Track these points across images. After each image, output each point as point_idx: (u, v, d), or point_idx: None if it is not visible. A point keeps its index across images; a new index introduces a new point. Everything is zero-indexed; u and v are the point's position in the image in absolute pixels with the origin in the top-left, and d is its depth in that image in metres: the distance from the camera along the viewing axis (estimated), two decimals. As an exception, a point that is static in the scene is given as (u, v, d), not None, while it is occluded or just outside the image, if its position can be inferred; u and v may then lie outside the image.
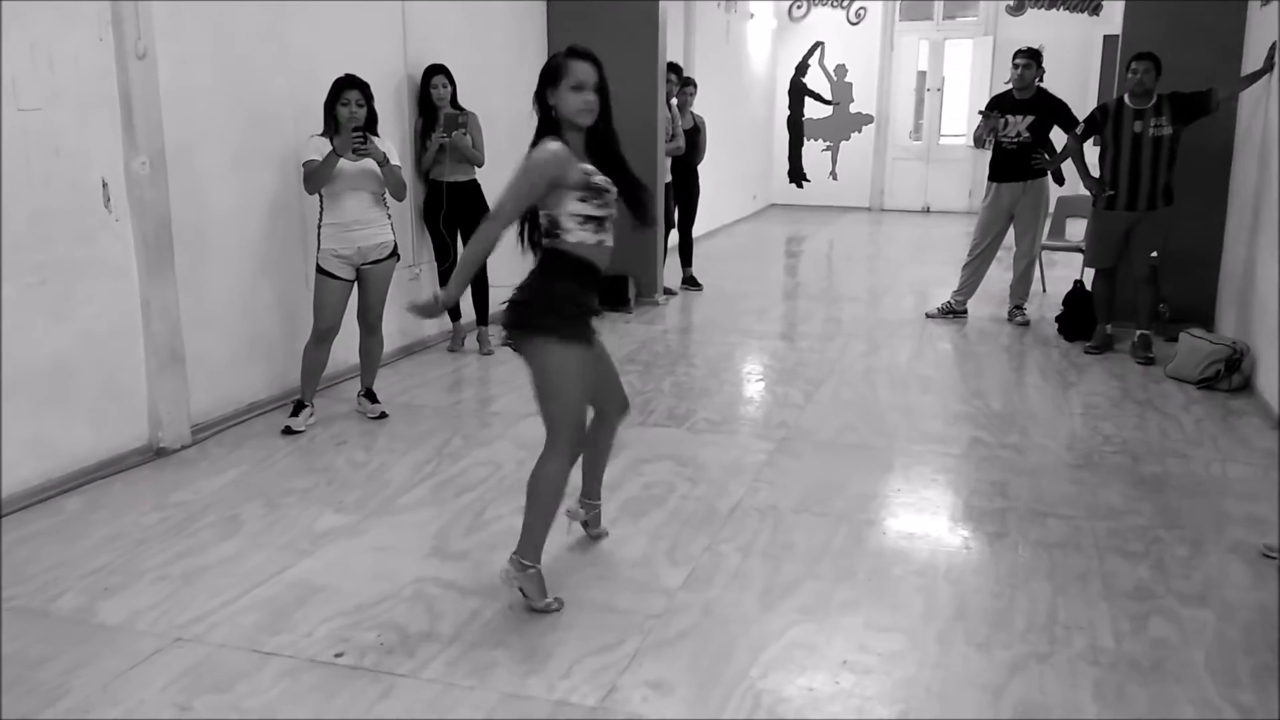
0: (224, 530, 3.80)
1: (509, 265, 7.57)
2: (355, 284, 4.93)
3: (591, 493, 3.69)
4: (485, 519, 3.91)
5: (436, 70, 6.07)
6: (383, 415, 5.12)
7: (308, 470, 4.44)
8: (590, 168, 3.08)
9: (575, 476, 3.38)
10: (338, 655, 2.94)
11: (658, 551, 3.64)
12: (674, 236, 8.63)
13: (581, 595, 3.31)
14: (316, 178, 4.68)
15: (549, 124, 3.10)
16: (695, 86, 8.59)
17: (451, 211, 6.24)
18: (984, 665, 2.92)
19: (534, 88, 3.12)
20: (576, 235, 3.10)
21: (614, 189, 3.13)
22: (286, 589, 3.34)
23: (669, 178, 8.18)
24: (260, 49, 5.02)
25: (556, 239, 3.11)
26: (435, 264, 6.44)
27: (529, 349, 3.14)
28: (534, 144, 3.10)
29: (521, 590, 3.21)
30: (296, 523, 3.87)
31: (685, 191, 8.50)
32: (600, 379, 3.40)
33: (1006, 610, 3.23)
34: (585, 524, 3.73)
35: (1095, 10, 12.48)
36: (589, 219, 3.10)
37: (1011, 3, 13.24)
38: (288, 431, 4.85)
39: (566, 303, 3.13)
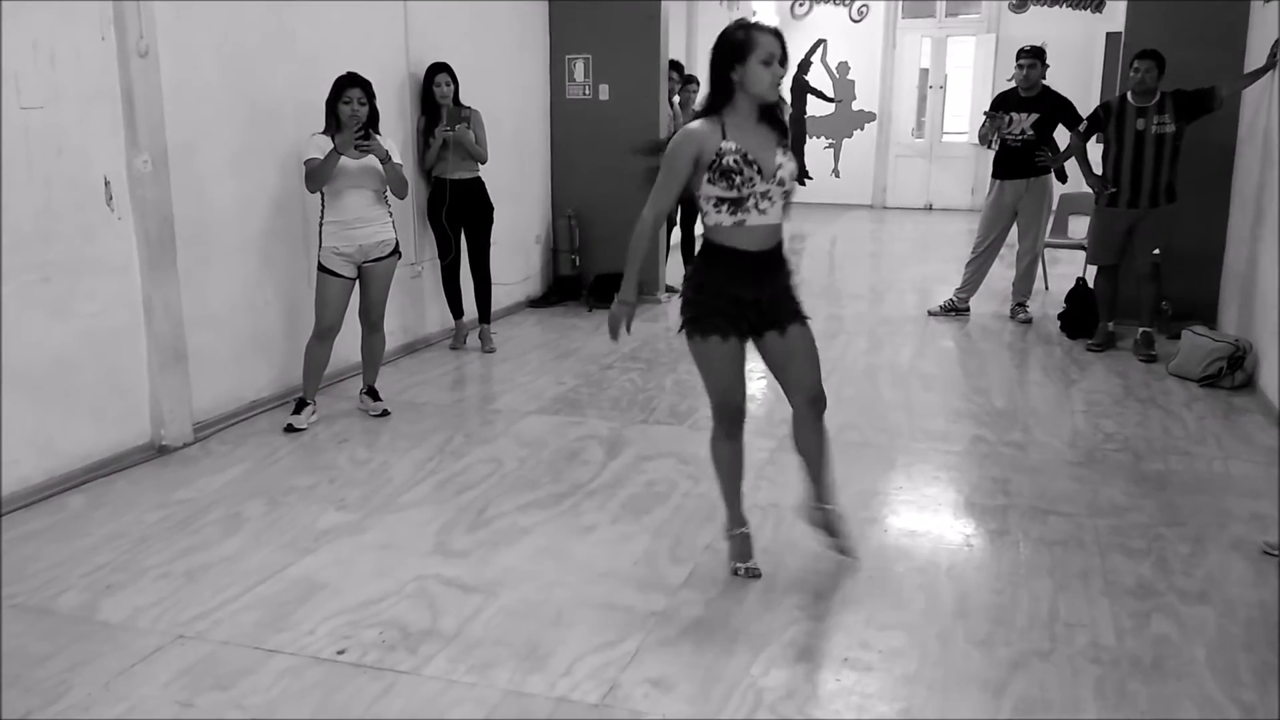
0: (226, 528, 3.81)
1: (512, 262, 7.60)
2: (357, 282, 4.94)
3: (816, 495, 3.48)
4: (487, 516, 3.92)
5: (439, 68, 6.07)
6: (385, 413, 5.12)
7: (310, 468, 4.45)
8: (729, 146, 3.06)
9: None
10: (339, 653, 2.95)
11: (660, 549, 3.64)
12: (676, 234, 8.62)
13: (583, 592, 3.31)
14: (318, 175, 4.69)
15: (720, 99, 3.10)
16: (698, 84, 8.57)
17: (454, 208, 6.24)
18: (985, 663, 2.92)
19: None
20: (712, 219, 3.15)
21: (753, 168, 3.06)
22: (288, 586, 3.35)
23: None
24: (262, 47, 5.02)
25: (705, 225, 3.20)
26: (438, 261, 6.44)
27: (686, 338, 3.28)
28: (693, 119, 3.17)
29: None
30: (298, 520, 3.87)
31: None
32: (778, 369, 3.33)
33: (1008, 607, 3.23)
34: (830, 533, 3.47)
35: (1098, 7, 12.45)
36: (722, 200, 3.11)
37: (1014, 0, 13.21)
38: (290, 429, 4.85)
39: (705, 295, 3.20)
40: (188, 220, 4.62)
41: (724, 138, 3.08)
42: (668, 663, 2.91)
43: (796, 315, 3.28)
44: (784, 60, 3.08)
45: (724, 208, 3.11)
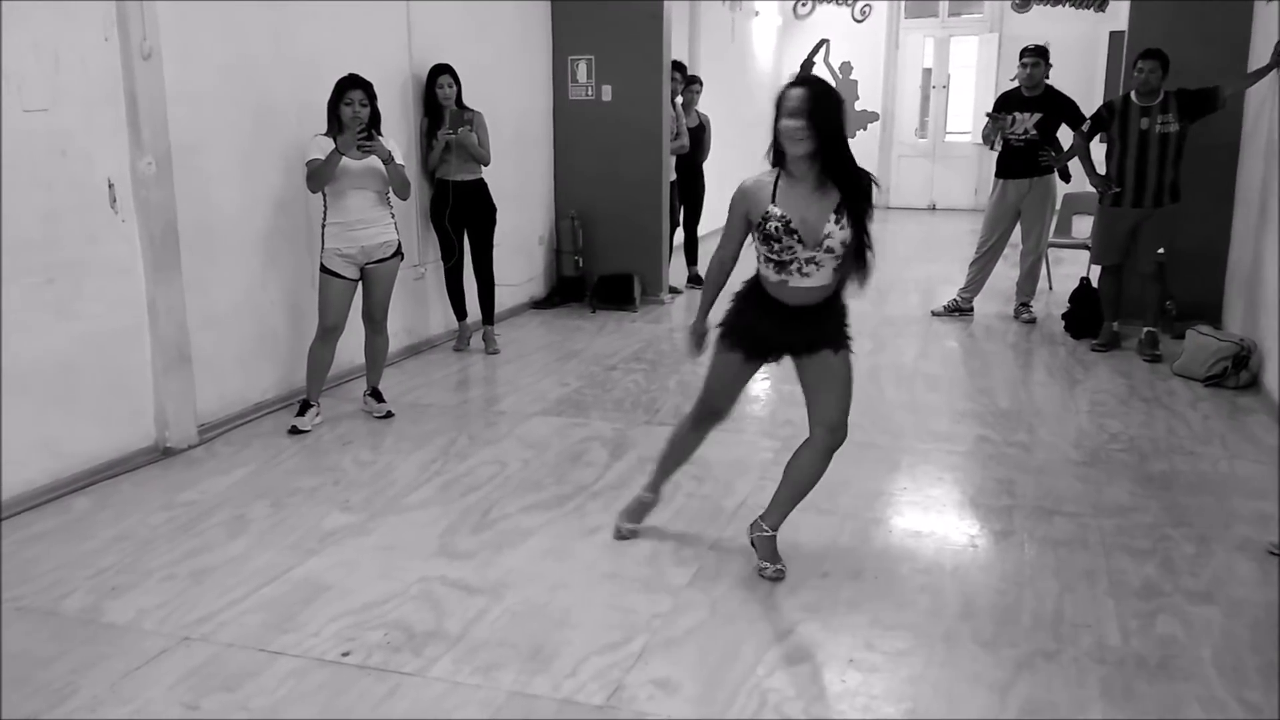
0: (231, 530, 3.81)
1: (515, 264, 7.59)
2: (360, 283, 4.94)
3: (768, 514, 3.50)
4: (491, 518, 3.92)
5: (442, 70, 6.07)
6: (389, 415, 5.13)
7: (314, 470, 4.45)
8: (774, 211, 3.10)
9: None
10: (344, 654, 2.95)
11: (664, 550, 3.64)
12: (679, 235, 8.62)
13: (587, 594, 3.31)
14: (319, 176, 4.69)
15: (779, 154, 3.12)
16: (701, 85, 8.59)
17: (457, 210, 6.24)
18: (991, 663, 2.91)
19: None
20: (761, 268, 3.25)
21: (793, 236, 3.07)
22: (293, 588, 3.35)
23: (674, 176, 8.17)
24: (265, 49, 5.02)
25: (757, 266, 3.28)
26: (441, 263, 6.45)
27: None
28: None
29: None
30: (303, 522, 3.88)
31: (690, 190, 8.50)
32: (808, 391, 3.36)
33: (1013, 608, 3.23)
34: (759, 554, 3.47)
35: (1101, 6, 12.43)
36: (769, 258, 3.19)
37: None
38: (294, 431, 4.85)
39: (743, 321, 3.30)
40: (191, 222, 4.62)
41: (772, 200, 3.12)
42: (673, 664, 2.90)
43: (836, 344, 3.29)
44: (811, 112, 2.98)
45: (770, 264, 3.20)
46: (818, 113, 2.99)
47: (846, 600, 3.29)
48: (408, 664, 2.90)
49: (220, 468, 4.45)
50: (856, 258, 3.13)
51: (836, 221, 3.08)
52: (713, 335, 3.40)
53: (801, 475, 3.42)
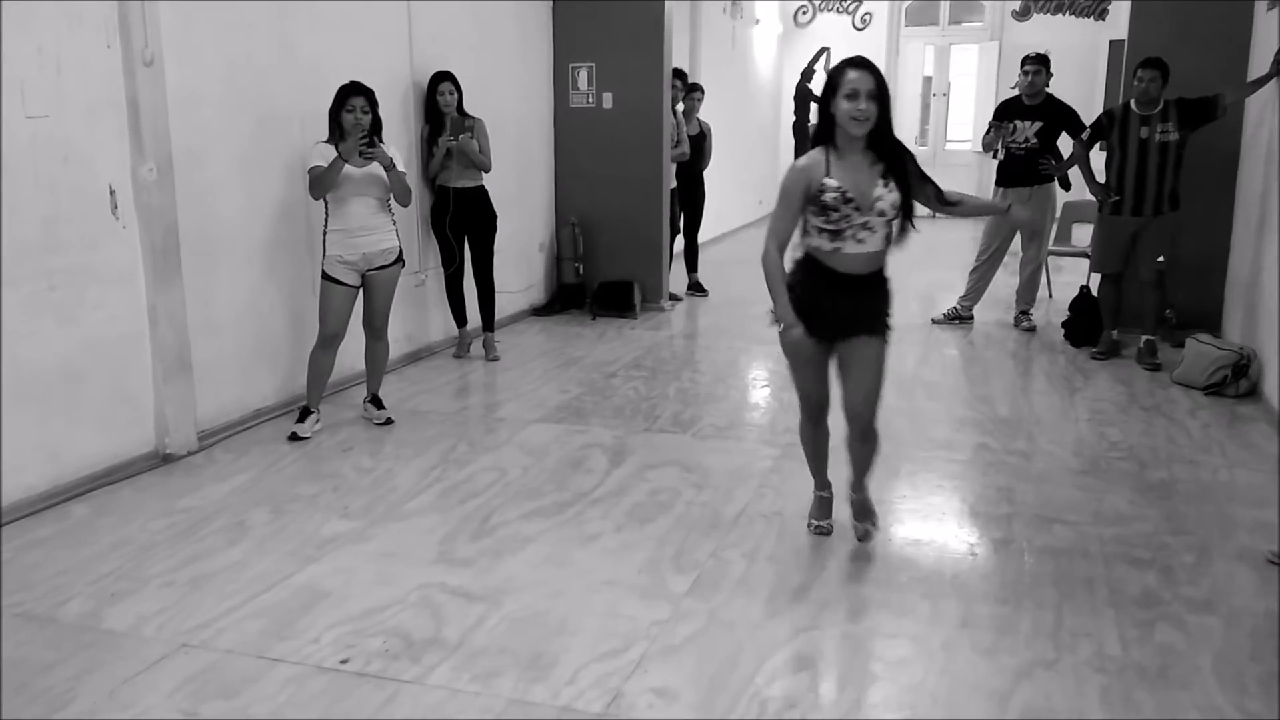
0: (230, 536, 3.81)
1: (516, 270, 7.60)
2: (361, 290, 4.95)
3: (851, 481, 3.74)
4: (491, 525, 3.92)
5: (443, 77, 6.09)
6: (389, 421, 5.13)
7: (314, 476, 4.45)
8: (830, 183, 3.25)
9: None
10: (343, 661, 2.95)
11: (664, 557, 3.64)
12: (679, 242, 8.63)
13: (587, 601, 3.31)
14: (322, 183, 4.70)
15: (823, 132, 3.28)
16: (702, 92, 8.60)
17: (458, 217, 6.25)
18: (990, 672, 2.91)
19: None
20: (814, 241, 3.37)
21: (850, 204, 3.23)
22: (293, 595, 3.35)
23: (674, 183, 8.19)
24: (267, 55, 5.04)
25: (806, 243, 3.39)
26: (441, 270, 6.45)
27: None
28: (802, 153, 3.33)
29: None
30: (303, 529, 3.88)
31: (691, 197, 8.51)
32: (842, 374, 3.50)
33: (1012, 617, 3.22)
34: (856, 515, 3.76)
35: (1101, 15, 12.47)
36: (822, 229, 3.30)
37: (1017, 7, 13.23)
38: (294, 438, 4.86)
39: (797, 299, 3.35)
40: (193, 228, 4.63)
41: (827, 173, 3.28)
42: (672, 672, 2.90)
43: (874, 328, 3.41)
44: (877, 94, 3.17)
45: (824, 235, 3.32)
46: (881, 94, 3.19)
47: (846, 609, 3.29)
48: (406, 671, 2.90)
49: (220, 474, 4.45)
50: (905, 215, 3.32)
51: (885, 185, 3.27)
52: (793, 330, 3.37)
53: (856, 454, 3.65)
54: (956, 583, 3.47)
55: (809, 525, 3.84)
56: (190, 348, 4.64)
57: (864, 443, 3.58)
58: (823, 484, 3.85)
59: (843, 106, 3.18)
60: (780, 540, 3.78)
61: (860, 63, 3.21)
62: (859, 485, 3.72)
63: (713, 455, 4.72)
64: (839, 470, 3.81)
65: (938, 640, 3.08)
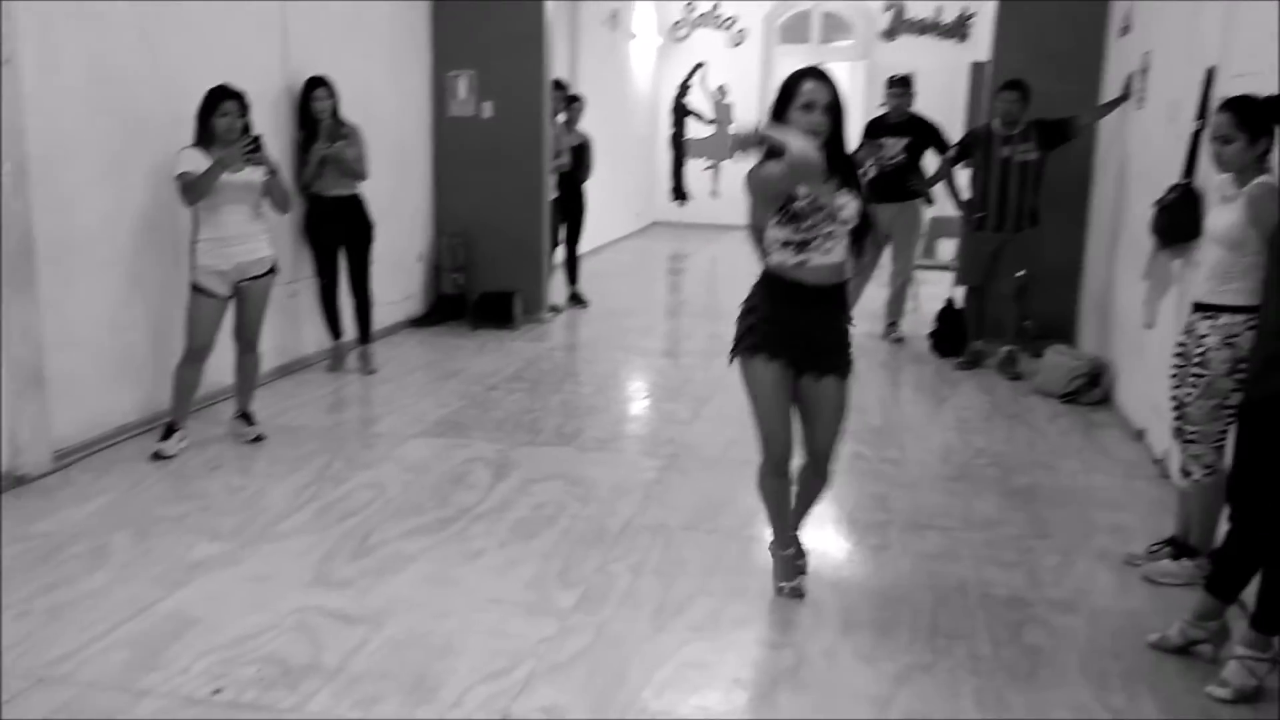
0: (91, 562, 3.62)
1: (393, 281, 7.44)
2: (233, 301, 4.77)
3: (791, 517, 3.57)
4: (370, 544, 3.82)
5: (317, 82, 5.94)
6: (260, 438, 4.96)
7: (180, 497, 4.27)
8: (801, 189, 3.13)
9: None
10: (215, 692, 2.83)
11: (549, 572, 3.61)
12: (560, 253, 8.61)
13: (471, 620, 3.26)
14: (199, 188, 4.51)
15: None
16: (582, 103, 8.61)
17: (333, 226, 6.10)
18: (871, 678, 2.99)
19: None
20: (776, 258, 3.25)
21: (820, 212, 3.15)
22: (159, 623, 3.20)
23: (555, 194, 8.17)
24: (131, 56, 4.82)
25: (767, 264, 3.30)
26: (316, 280, 6.28)
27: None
28: (759, 163, 3.19)
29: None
30: (169, 553, 3.71)
31: (571, 208, 8.50)
32: (802, 414, 3.38)
33: (891, 622, 3.31)
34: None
35: (962, 37, 13.02)
36: (788, 243, 3.20)
37: (885, 28, 13.69)
38: (158, 456, 4.64)
39: (755, 317, 3.29)
40: (50, 235, 4.39)
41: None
42: (560, 690, 2.88)
43: (838, 368, 3.33)
44: (830, 107, 3.11)
45: (789, 249, 3.21)
46: (835, 105, 3.13)
47: (731, 619, 3.33)
48: (283, 700, 2.80)
49: (78, 496, 4.22)
50: (864, 226, 3.24)
51: (847, 194, 3.21)
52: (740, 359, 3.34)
53: (805, 493, 3.55)
54: (837, 590, 3.55)
55: (778, 590, 3.49)
56: (45, 362, 4.39)
57: (817, 477, 3.48)
58: (784, 542, 3.53)
59: (797, 119, 3.10)
60: (665, 552, 3.80)
61: (816, 74, 3.13)
62: (795, 522, 3.57)
63: (596, 468, 4.71)
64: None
65: (820, 648, 3.15)
